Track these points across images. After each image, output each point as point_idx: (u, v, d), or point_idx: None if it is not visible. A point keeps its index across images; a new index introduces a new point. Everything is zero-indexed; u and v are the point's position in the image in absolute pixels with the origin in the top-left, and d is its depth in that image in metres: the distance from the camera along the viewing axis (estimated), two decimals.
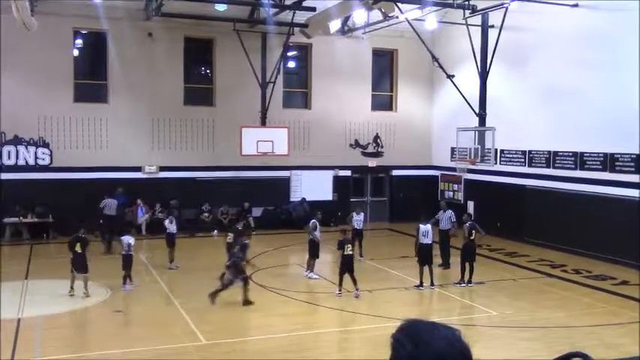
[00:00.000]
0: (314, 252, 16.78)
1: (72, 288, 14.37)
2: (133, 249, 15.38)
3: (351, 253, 14.67)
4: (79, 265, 14.37)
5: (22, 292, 14.67)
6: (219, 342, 11.47)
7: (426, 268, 15.49)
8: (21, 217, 21.55)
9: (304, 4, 20.30)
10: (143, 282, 15.88)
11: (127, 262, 15.23)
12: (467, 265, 15.97)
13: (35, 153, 22.22)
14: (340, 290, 14.72)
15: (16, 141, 21.98)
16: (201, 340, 11.51)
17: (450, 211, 18.24)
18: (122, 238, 15.50)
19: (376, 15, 23.31)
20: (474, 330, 12.61)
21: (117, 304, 13.94)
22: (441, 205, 19.02)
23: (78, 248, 14.42)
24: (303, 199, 25.20)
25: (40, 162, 22.27)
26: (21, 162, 22.03)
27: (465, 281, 15.92)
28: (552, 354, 2.49)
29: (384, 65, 27.60)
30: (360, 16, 23.10)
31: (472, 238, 16.03)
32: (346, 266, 14.58)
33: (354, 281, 14.62)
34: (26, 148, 22.13)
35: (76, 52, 23.44)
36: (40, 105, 21.94)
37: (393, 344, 1.87)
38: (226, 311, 13.68)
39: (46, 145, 22.35)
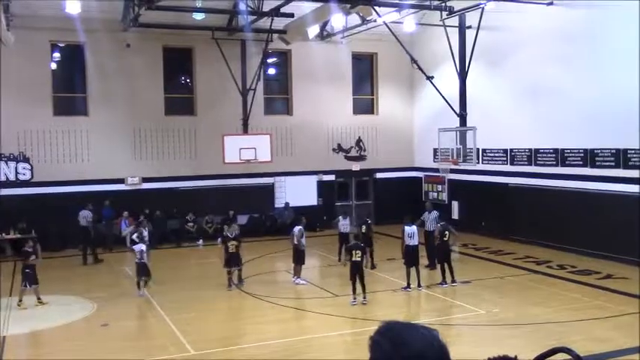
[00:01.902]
0: (299, 258, 16.75)
1: (21, 300, 14.74)
2: (146, 256, 15.71)
3: (359, 259, 14.20)
4: (32, 278, 14.69)
5: (7, 309, 14.49)
6: (208, 352, 11.39)
7: (413, 270, 15.52)
8: (3, 234, 21.29)
9: (282, 10, 20.30)
10: (129, 294, 15.75)
11: (141, 269, 15.60)
12: (446, 265, 16.01)
13: (16, 168, 22.00)
14: (355, 298, 14.26)
15: None
16: (190, 350, 11.43)
17: (435, 211, 18.35)
18: (134, 247, 15.95)
19: (354, 19, 23.39)
20: (462, 329, 12.66)
21: (103, 318, 13.80)
22: (426, 206, 19.11)
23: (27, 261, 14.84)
24: (287, 204, 25.18)
25: (21, 177, 22.05)
26: (1, 178, 21.79)
27: (447, 282, 15.95)
28: (542, 350, 2.50)
29: (364, 69, 27.69)
30: (338, 20, 23.16)
31: (445, 239, 16.10)
32: (354, 272, 14.19)
33: (363, 288, 14.23)
34: (6, 163, 21.91)
35: (54, 66, 23.28)
36: (20, 120, 21.71)
37: (371, 346, 1.89)
38: (214, 321, 13.63)
39: (26, 160, 22.13)
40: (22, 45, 20.65)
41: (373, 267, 17.82)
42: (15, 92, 21.54)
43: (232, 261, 16.00)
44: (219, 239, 16.31)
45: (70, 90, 23.72)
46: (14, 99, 21.53)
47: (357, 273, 14.22)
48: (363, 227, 18.00)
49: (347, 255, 14.60)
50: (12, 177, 21.93)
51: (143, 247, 15.80)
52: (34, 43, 21.76)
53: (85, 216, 20.31)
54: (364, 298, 14.31)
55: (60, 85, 23.28)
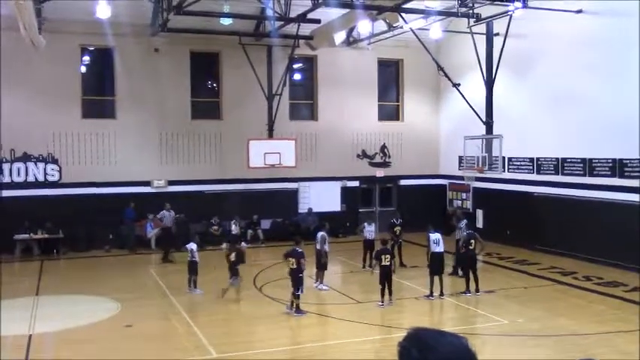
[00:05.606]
0: (322, 263, 16.76)
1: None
2: (197, 255, 16.20)
3: (388, 263, 14.62)
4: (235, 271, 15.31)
5: (33, 308, 14.72)
6: (230, 355, 11.45)
7: (436, 278, 15.43)
8: (31, 234, 21.62)
9: (309, 16, 20.35)
10: (153, 296, 15.90)
11: (192, 267, 16.11)
12: (471, 274, 15.90)
13: (44, 169, 22.36)
14: (382, 301, 14.67)
15: (25, 158, 22.12)
16: (212, 353, 11.49)
17: (464, 220, 18.27)
18: (187, 245, 16.38)
19: (381, 25, 23.39)
20: (485, 339, 12.54)
21: (127, 319, 13.93)
22: (457, 214, 19.04)
23: (233, 257, 15.37)
24: (310, 209, 25.20)
25: (50, 178, 22.40)
26: (30, 178, 22.16)
27: (471, 291, 15.81)
28: None
29: (390, 75, 27.65)
30: (364, 26, 23.18)
31: (471, 247, 15.97)
32: (384, 277, 14.60)
33: (390, 292, 14.72)
34: (35, 164, 22.27)
35: (83, 69, 23.64)
36: (49, 122, 22.09)
37: (399, 352, 1.89)
38: (237, 324, 13.68)
39: (54, 161, 22.48)
40: (53, 48, 20.99)
41: (402, 265, 18.71)
42: (45, 94, 21.92)
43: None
44: (298, 254, 14.25)
45: (98, 93, 24.06)
46: (44, 101, 21.93)
47: (386, 277, 14.54)
48: (397, 229, 19.17)
49: (376, 260, 14.84)
50: (41, 178, 22.30)
51: (194, 245, 16.19)
52: (65, 46, 22.12)
53: (166, 217, 21.09)
54: (390, 300, 14.66)
55: (89, 88, 23.63)
